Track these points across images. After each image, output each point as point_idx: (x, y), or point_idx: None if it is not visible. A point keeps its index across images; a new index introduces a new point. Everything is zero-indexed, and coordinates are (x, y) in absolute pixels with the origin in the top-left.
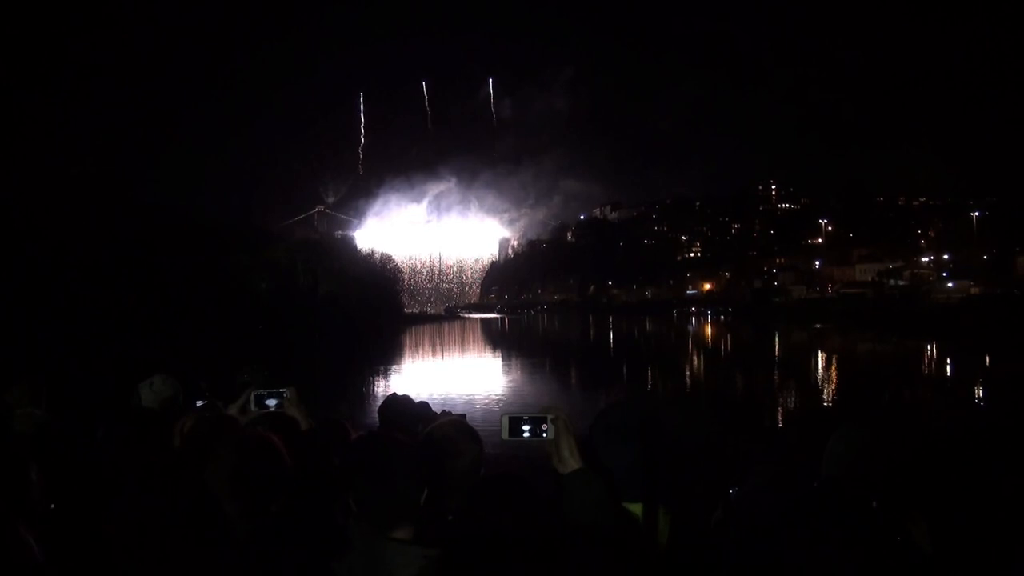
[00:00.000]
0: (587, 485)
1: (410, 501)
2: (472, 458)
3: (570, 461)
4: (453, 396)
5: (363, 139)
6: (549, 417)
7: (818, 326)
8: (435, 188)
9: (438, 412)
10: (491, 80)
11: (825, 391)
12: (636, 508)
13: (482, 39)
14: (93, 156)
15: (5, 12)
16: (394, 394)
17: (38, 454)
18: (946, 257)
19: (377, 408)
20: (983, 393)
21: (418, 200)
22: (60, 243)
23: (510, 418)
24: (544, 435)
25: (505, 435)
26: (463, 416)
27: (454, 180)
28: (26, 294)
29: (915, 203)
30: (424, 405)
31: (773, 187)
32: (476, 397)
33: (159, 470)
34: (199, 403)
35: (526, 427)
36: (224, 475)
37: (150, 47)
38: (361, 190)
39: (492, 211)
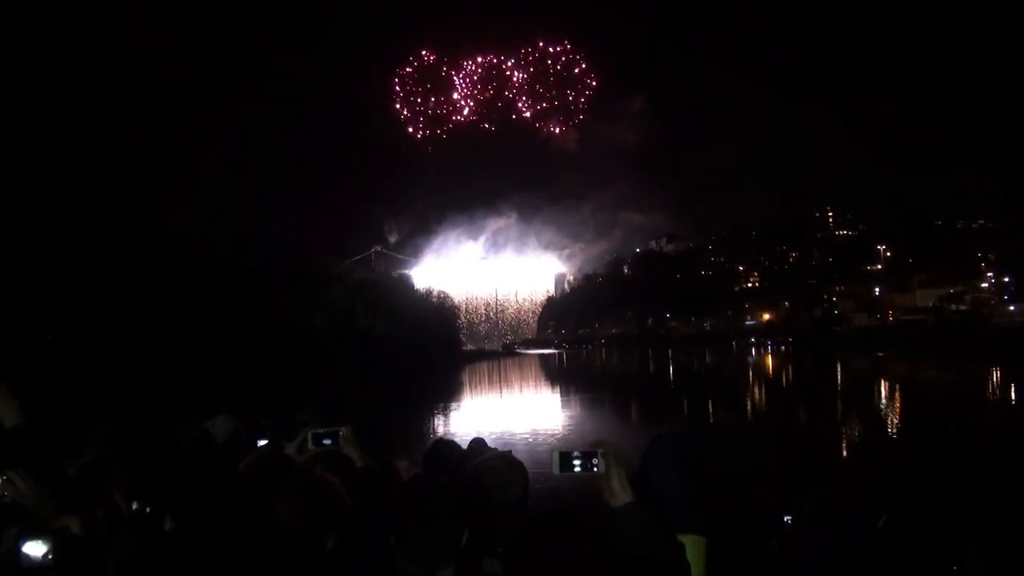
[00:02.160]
0: (639, 518)
1: (450, 544)
2: (519, 491)
3: (621, 494)
4: (513, 433)
5: (429, 175)
6: (599, 451)
7: (880, 354)
8: (494, 224)
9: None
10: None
11: (887, 420)
12: (689, 539)
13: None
14: (153, 201)
15: (72, 54)
16: (440, 439)
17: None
18: (1007, 280)
19: (424, 453)
20: None
21: (475, 237)
22: (125, 287)
23: (560, 453)
24: (595, 469)
25: (556, 470)
26: (509, 451)
27: (515, 216)
28: (97, 339)
29: (973, 226)
30: (480, 442)
31: (830, 214)
32: (536, 433)
33: (225, 505)
34: (261, 442)
35: (576, 461)
36: (288, 512)
37: (210, 84)
38: (420, 228)
39: (550, 246)
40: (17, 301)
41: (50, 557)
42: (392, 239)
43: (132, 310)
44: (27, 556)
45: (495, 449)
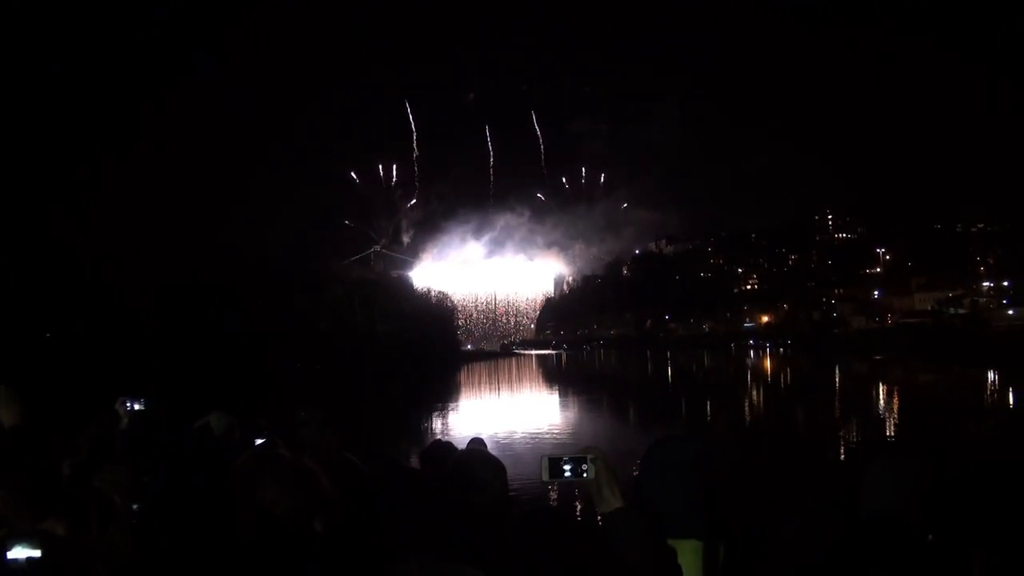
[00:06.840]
0: (629, 524)
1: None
2: (497, 489)
3: (611, 500)
4: (510, 433)
5: (417, 186)
6: (589, 457)
7: (878, 357)
8: (504, 220)
9: (491, 449)
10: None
11: (886, 423)
12: (685, 544)
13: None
14: (161, 204)
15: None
16: (438, 440)
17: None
18: (1006, 284)
19: (421, 453)
20: None
21: (479, 236)
22: (128, 285)
23: (550, 459)
24: (585, 475)
25: (545, 476)
26: (485, 448)
27: (527, 214)
28: (96, 337)
29: (973, 229)
30: (478, 442)
31: (829, 217)
32: (534, 435)
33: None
34: (259, 441)
35: (566, 467)
36: (270, 499)
37: (213, 95)
38: (419, 228)
39: (554, 246)
40: (18, 299)
41: (37, 560)
42: (406, 239)
43: (130, 311)
44: (12, 559)
45: (478, 440)
